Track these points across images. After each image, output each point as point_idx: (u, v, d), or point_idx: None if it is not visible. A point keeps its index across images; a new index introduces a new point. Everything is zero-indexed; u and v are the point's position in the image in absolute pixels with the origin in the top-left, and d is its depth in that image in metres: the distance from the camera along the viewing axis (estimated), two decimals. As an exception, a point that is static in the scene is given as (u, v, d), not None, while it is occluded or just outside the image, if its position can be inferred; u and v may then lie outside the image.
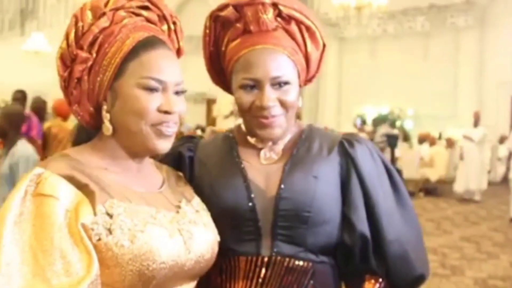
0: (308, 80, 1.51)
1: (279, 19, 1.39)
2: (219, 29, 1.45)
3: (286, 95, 1.37)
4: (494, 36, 15.06)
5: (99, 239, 1.10)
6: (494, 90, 14.95)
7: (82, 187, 1.13)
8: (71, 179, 1.13)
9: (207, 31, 1.47)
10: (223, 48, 1.45)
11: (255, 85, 1.37)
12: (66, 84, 1.25)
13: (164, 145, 1.24)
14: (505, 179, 11.85)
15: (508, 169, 9.17)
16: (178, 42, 1.36)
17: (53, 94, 11.54)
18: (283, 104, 1.38)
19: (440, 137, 13.67)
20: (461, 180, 11.07)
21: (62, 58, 1.24)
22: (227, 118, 10.81)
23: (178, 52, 1.36)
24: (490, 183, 12.05)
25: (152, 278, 1.13)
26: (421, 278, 1.45)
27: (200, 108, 18.45)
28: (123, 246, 1.10)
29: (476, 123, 10.82)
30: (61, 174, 1.13)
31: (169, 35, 1.33)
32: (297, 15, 1.39)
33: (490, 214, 9.70)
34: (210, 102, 15.94)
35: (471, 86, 15.50)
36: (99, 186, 1.16)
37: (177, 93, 1.24)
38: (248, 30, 1.39)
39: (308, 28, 1.42)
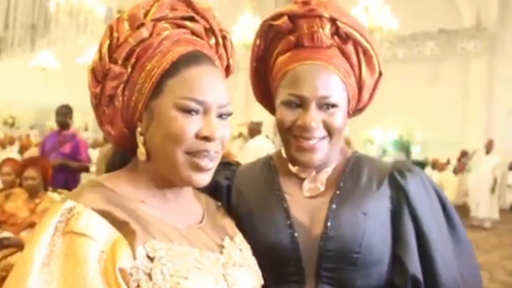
0: (358, 110, 1.38)
1: (335, 37, 1.28)
2: (270, 40, 1.34)
3: (332, 118, 1.25)
4: (503, 63, 15.02)
5: (138, 286, 0.96)
6: (504, 117, 14.87)
7: (120, 225, 0.99)
8: (108, 216, 0.99)
9: (258, 41, 1.35)
10: (271, 61, 1.34)
11: (300, 103, 1.25)
12: (98, 102, 1.12)
13: (202, 179, 1.09)
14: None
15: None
16: (228, 58, 1.22)
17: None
18: (327, 127, 1.25)
19: (448, 163, 13.59)
20: (473, 207, 11.00)
21: (93, 72, 1.10)
22: (234, 140, 10.78)
23: (227, 70, 1.22)
24: (499, 210, 11.93)
25: None
26: None
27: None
28: None
29: (488, 151, 10.73)
30: (96, 209, 0.99)
31: (217, 51, 1.19)
32: (356, 34, 1.28)
33: (502, 242, 9.55)
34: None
35: (480, 112, 15.42)
36: (140, 224, 1.01)
37: (221, 116, 1.10)
38: (301, 44, 1.28)
39: (365, 51, 1.30)
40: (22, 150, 11.67)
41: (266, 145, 7.43)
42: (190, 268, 1.02)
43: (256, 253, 1.22)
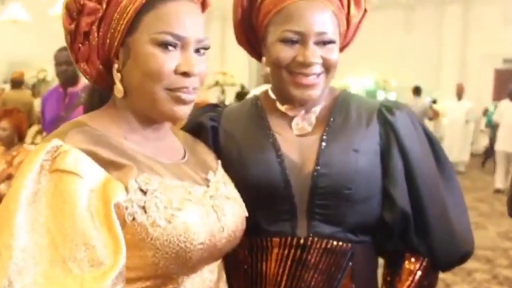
0: (342, 47, 1.38)
1: None
2: None
3: (330, 54, 1.25)
4: (479, 8, 15.02)
5: (133, 219, 0.96)
6: (478, 62, 14.97)
7: (108, 164, 0.98)
8: (94, 155, 0.98)
9: None
10: (258, 2, 1.31)
11: (298, 39, 1.23)
12: (72, 39, 1.10)
13: (183, 111, 1.09)
14: (487, 150, 11.97)
15: (494, 140, 9.24)
16: None
17: (34, 64, 11.06)
18: (325, 63, 1.25)
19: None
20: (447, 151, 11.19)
21: (67, 8, 1.08)
22: (210, 89, 10.69)
23: (203, 5, 1.18)
24: (472, 155, 12.16)
25: (188, 261, 1.01)
26: (466, 256, 1.35)
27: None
28: (159, 226, 0.97)
29: (459, 96, 10.85)
30: (82, 149, 0.97)
31: None
32: None
33: (474, 185, 9.79)
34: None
35: (454, 58, 15.48)
36: (128, 159, 1.01)
37: (198, 51, 1.08)
38: None
39: None
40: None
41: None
42: (182, 200, 1.03)
43: (247, 193, 1.22)
